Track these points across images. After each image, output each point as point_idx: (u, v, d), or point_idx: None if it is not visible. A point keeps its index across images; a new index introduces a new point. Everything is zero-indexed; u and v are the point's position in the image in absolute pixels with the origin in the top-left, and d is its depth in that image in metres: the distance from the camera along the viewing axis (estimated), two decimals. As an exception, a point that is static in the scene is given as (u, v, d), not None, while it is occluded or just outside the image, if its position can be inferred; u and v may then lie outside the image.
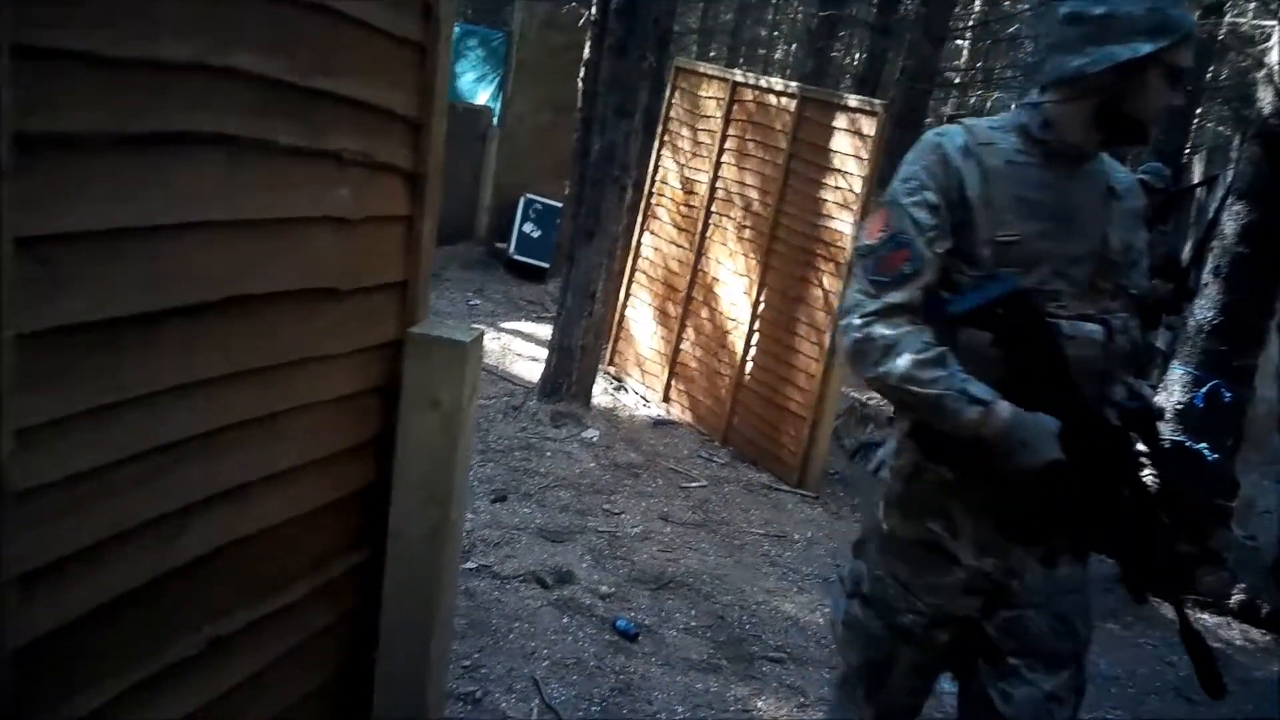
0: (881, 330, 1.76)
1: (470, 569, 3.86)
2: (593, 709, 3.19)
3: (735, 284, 6.10)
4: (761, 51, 19.95)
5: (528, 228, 9.68)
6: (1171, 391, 5.26)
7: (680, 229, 6.56)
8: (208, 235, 1.48)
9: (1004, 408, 1.72)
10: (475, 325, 2.68)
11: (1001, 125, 1.89)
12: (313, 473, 1.78)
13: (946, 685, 3.70)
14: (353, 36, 1.72)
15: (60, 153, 1.23)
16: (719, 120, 6.24)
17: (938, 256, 1.79)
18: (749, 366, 5.98)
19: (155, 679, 1.47)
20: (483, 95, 10.67)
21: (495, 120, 10.32)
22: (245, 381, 1.58)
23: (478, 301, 8.62)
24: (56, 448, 1.26)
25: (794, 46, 19.42)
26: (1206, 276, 5.33)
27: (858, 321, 1.79)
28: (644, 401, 6.61)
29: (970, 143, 1.82)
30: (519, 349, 7.16)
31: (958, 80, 14.01)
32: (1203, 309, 5.24)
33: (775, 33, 19.92)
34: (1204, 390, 5.08)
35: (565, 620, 3.67)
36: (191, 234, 1.45)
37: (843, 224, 5.42)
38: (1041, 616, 1.89)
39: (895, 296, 1.77)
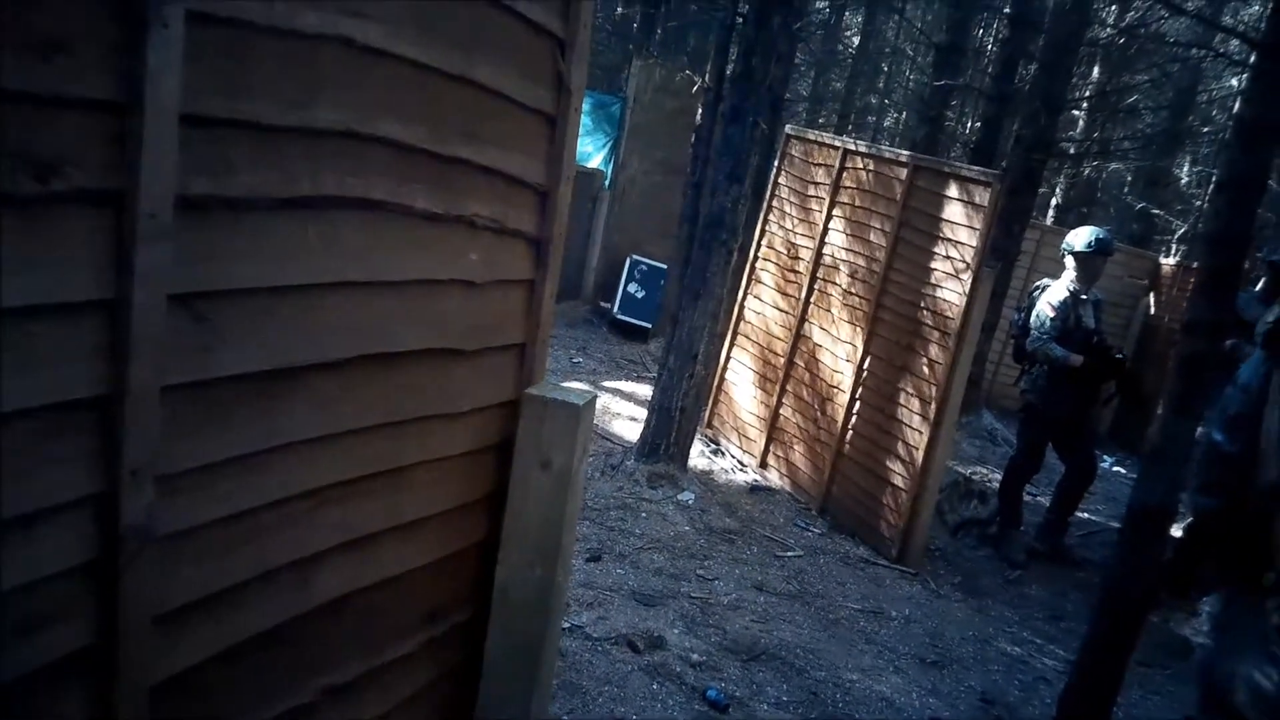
0: None
1: (563, 629, 3.85)
2: (681, 780, 3.13)
3: (838, 350, 6.04)
4: (871, 119, 19.91)
5: (632, 288, 9.83)
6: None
7: (784, 293, 6.55)
8: (347, 295, 1.55)
9: None
10: (576, 384, 2.71)
11: None
12: (433, 526, 1.82)
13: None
14: (490, 107, 1.80)
15: (219, 215, 1.30)
16: (828, 187, 6.25)
17: None
18: (850, 435, 5.89)
19: (274, 722, 1.50)
20: (595, 159, 10.93)
21: (606, 183, 10.55)
22: (379, 434, 1.63)
23: (581, 359, 8.74)
24: (206, 493, 1.32)
25: (904, 114, 19.34)
26: None
27: None
28: (741, 466, 6.56)
29: None
30: (618, 408, 7.20)
31: (1073, 151, 13.72)
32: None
33: (886, 100, 19.89)
34: None
35: (655, 686, 3.62)
36: (333, 294, 1.52)
37: (952, 293, 5.34)
38: None
39: None
